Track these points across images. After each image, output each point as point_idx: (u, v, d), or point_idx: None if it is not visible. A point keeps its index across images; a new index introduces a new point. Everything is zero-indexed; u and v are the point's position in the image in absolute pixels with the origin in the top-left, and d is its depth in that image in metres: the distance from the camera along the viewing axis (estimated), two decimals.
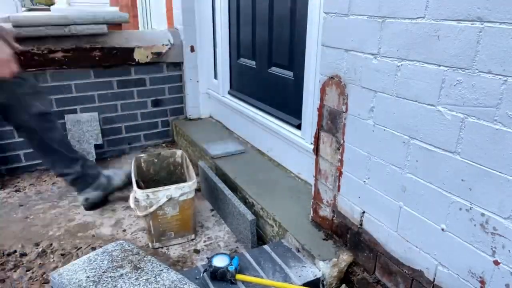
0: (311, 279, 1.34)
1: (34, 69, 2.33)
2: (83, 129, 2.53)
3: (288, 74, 2.03)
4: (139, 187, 1.75)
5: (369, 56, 1.15)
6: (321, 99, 1.39)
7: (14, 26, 2.24)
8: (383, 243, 1.24)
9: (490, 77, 0.84)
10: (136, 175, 1.81)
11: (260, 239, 1.74)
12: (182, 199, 1.65)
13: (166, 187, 1.61)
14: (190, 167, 1.83)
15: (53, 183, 2.39)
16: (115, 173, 2.15)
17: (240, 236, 1.78)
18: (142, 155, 1.97)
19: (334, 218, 1.45)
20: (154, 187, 1.64)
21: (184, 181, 1.93)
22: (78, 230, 1.90)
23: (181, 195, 1.63)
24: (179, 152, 2.01)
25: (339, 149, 1.35)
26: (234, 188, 1.96)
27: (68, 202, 2.15)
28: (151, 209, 1.58)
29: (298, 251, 1.47)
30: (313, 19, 1.68)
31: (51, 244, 1.77)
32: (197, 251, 1.72)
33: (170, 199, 1.61)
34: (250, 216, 1.64)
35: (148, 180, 1.98)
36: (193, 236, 1.79)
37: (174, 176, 2.05)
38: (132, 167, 1.84)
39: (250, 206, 1.82)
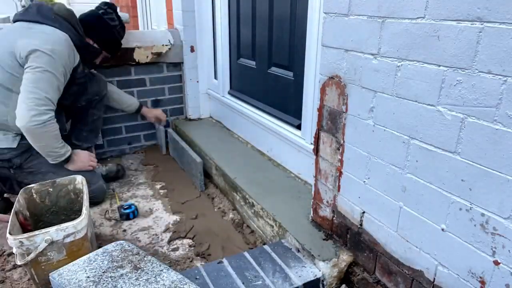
0: (311, 279, 1.34)
1: None
2: None
3: (288, 74, 2.03)
4: (34, 222, 1.62)
5: (369, 56, 1.15)
6: (321, 99, 1.39)
7: None
8: (383, 243, 1.24)
9: (490, 77, 0.84)
10: (25, 210, 1.59)
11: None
12: (69, 240, 1.40)
13: (44, 230, 1.36)
14: (86, 196, 1.57)
15: None
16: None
17: (194, 179, 2.29)
18: (32, 185, 1.67)
19: (334, 218, 1.45)
20: (52, 221, 1.51)
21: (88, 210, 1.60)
22: None
23: (65, 236, 1.38)
24: (79, 178, 1.73)
25: (339, 149, 1.35)
26: (234, 187, 1.96)
27: None
28: (29, 258, 1.34)
29: (298, 251, 1.47)
30: (313, 19, 1.68)
31: None
32: None
33: (52, 243, 1.36)
34: (198, 159, 2.19)
35: (44, 213, 1.71)
36: None
37: (76, 204, 1.76)
38: (16, 204, 1.53)
39: (250, 206, 1.82)
